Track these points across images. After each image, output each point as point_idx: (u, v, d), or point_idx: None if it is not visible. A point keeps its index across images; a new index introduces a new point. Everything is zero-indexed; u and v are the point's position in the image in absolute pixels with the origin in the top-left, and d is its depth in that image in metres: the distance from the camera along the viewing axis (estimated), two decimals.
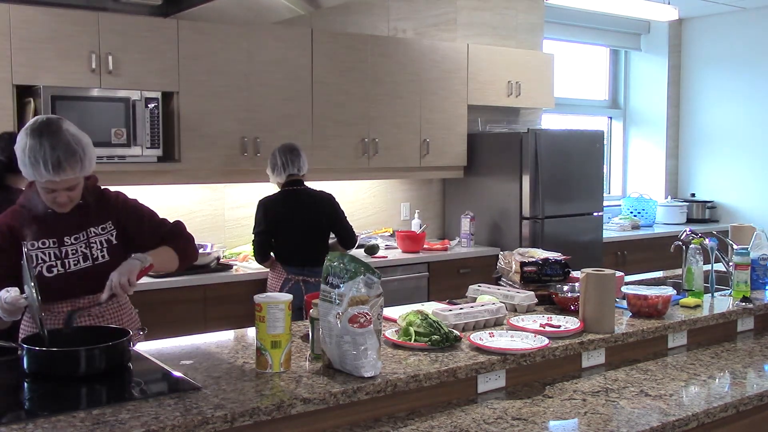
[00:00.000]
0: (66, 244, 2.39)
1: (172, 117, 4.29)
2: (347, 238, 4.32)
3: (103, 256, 2.43)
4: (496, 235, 5.50)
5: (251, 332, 2.42)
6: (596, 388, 2.32)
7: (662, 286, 2.96)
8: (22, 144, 2.24)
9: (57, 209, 2.37)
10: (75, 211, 2.41)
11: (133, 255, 2.39)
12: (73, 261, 2.39)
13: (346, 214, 4.34)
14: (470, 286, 3.06)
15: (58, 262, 2.37)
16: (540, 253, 3.17)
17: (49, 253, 2.37)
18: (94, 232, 2.44)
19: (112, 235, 2.47)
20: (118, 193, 2.57)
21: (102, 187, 2.54)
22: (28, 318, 2.42)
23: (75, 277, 2.39)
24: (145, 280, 2.95)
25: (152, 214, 2.59)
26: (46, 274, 2.34)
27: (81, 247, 2.40)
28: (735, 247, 3.32)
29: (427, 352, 2.29)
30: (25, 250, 2.26)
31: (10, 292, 2.19)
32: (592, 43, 7.31)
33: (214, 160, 4.42)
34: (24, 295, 2.18)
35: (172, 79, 4.25)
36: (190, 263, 2.67)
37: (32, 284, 2.14)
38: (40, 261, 2.35)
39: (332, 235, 4.33)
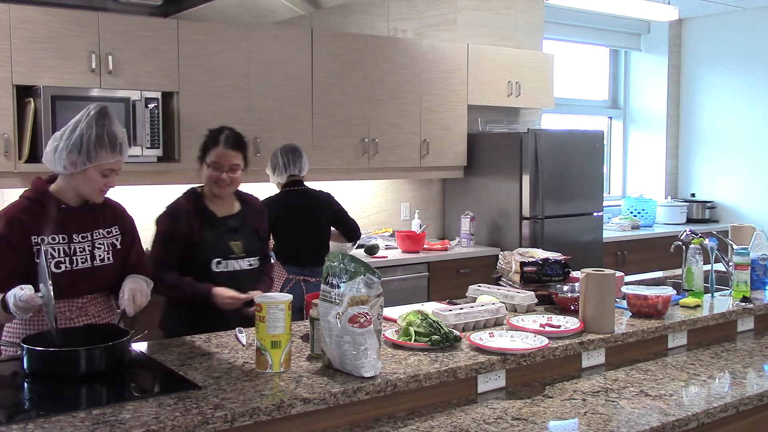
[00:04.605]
0: (74, 241, 2.40)
1: (172, 117, 4.29)
2: (351, 232, 4.33)
3: (108, 258, 2.46)
4: (496, 235, 5.50)
5: (251, 332, 2.42)
6: (596, 388, 2.32)
7: (662, 286, 2.96)
8: (87, 133, 2.30)
9: (96, 199, 2.42)
10: (86, 210, 2.44)
11: (134, 276, 2.51)
12: (81, 259, 2.40)
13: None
14: (470, 286, 3.07)
15: (67, 259, 2.37)
16: (540, 253, 3.17)
17: (59, 249, 2.37)
18: (101, 234, 2.46)
19: (116, 240, 2.50)
20: (119, 203, 2.60)
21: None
22: (19, 321, 2.38)
23: (80, 275, 2.40)
24: None
25: (140, 242, 2.62)
26: (54, 270, 2.33)
27: (87, 246, 2.42)
28: (735, 247, 3.32)
29: (427, 352, 2.29)
30: (43, 247, 2.28)
31: (25, 290, 2.16)
32: (592, 43, 7.31)
33: None
34: (40, 294, 2.16)
35: (172, 79, 4.24)
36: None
37: (50, 282, 2.13)
38: (49, 257, 2.33)
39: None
